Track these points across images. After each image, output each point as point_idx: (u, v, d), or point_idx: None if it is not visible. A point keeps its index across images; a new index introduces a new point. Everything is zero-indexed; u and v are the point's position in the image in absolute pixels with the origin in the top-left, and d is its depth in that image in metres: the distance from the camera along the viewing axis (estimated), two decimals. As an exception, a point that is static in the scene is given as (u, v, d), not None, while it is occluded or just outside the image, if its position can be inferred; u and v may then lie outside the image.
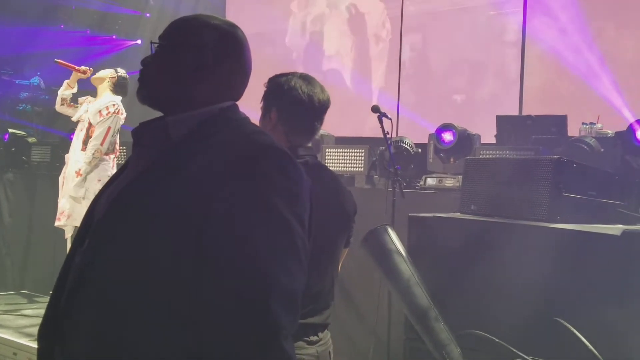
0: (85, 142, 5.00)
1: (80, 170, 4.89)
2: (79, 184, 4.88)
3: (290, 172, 1.26)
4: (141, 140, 1.39)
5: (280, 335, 1.14)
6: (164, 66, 1.38)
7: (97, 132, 4.93)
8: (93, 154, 4.89)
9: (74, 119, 5.24)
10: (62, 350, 1.27)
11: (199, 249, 1.18)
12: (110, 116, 4.97)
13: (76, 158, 4.99)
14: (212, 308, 1.15)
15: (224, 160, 1.23)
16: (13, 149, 6.67)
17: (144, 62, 1.41)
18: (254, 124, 1.41)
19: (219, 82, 1.39)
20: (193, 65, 1.37)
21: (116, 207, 1.29)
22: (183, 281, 1.19)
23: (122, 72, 5.25)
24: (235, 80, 1.42)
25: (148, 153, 1.33)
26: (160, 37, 1.42)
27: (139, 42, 8.40)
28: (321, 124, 2.20)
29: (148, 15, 8.47)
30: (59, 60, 5.38)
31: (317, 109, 2.13)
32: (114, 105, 5.05)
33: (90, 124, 5.02)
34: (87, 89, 5.52)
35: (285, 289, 1.16)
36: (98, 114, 5.00)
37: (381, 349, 3.76)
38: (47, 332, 1.32)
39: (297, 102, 2.10)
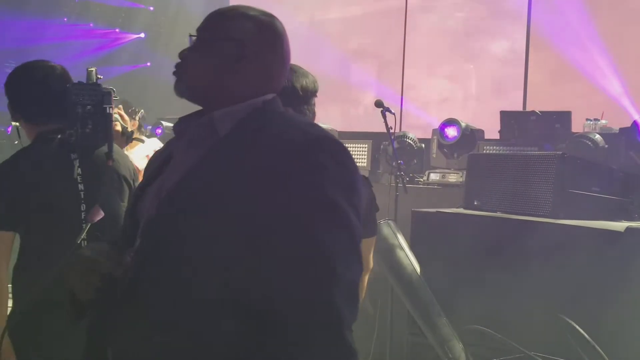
0: None
1: None
2: None
3: (346, 162, 1.25)
4: (184, 135, 1.38)
5: (344, 327, 1.15)
6: (203, 59, 1.36)
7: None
8: None
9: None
10: (114, 348, 1.27)
11: (263, 245, 1.18)
12: None
13: None
14: (277, 302, 1.16)
15: (279, 153, 1.22)
16: (16, 142, 6.65)
17: (182, 55, 1.39)
18: (299, 115, 1.39)
19: (259, 74, 1.37)
20: (233, 58, 1.34)
21: (172, 205, 1.26)
22: (248, 277, 1.18)
23: (141, 111, 5.17)
24: (275, 71, 1.39)
25: (194, 148, 1.31)
26: (198, 30, 1.40)
27: (142, 35, 8.39)
28: (311, 109, 2.18)
29: (151, 8, 8.45)
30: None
31: (300, 97, 2.12)
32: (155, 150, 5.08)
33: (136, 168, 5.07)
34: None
35: (346, 281, 1.17)
36: (146, 158, 5.05)
37: (383, 343, 3.77)
38: (99, 328, 1.31)
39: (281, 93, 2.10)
